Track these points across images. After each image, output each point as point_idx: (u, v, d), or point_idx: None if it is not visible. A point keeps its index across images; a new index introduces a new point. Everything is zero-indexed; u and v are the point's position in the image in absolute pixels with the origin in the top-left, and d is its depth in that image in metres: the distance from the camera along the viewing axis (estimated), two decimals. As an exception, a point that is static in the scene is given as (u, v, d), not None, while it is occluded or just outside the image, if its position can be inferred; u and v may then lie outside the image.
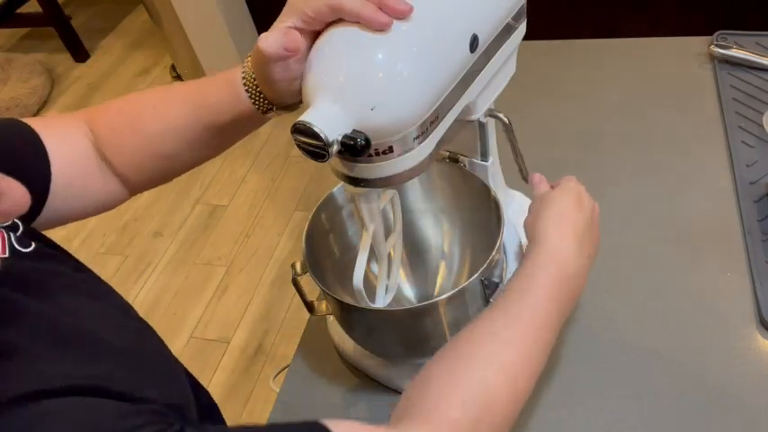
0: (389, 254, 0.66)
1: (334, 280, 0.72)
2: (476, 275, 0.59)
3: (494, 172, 0.72)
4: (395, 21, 0.46)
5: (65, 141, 0.61)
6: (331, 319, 0.79)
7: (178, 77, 2.95)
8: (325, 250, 0.73)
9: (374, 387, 0.74)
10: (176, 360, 0.56)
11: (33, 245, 0.50)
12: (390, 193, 0.63)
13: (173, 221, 2.27)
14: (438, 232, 0.80)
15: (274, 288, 1.97)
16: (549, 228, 0.58)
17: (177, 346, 1.86)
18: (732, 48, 1.00)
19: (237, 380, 1.75)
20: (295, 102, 0.56)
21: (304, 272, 0.67)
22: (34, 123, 0.59)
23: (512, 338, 0.52)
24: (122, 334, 0.50)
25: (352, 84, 0.46)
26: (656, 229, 0.82)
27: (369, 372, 0.74)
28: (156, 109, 0.61)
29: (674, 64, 1.05)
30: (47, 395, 0.36)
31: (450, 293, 0.59)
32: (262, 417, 1.51)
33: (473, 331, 0.52)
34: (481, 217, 0.70)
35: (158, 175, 0.66)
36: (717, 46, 1.00)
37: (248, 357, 1.81)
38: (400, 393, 0.72)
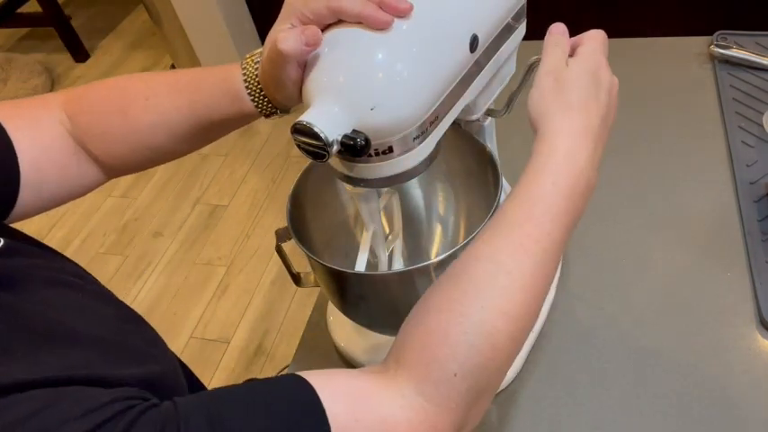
0: (390, 253, 0.66)
1: (323, 248, 0.69)
2: (470, 237, 0.56)
3: (491, 132, 0.69)
4: (395, 20, 0.46)
5: (35, 129, 0.59)
6: (331, 319, 0.79)
7: (178, 77, 2.95)
8: (312, 216, 0.69)
9: (374, 387, 0.74)
10: (164, 346, 0.55)
11: (2, 241, 0.49)
12: (390, 193, 0.63)
13: (173, 221, 2.27)
14: (434, 197, 0.78)
15: (274, 288, 1.97)
16: (559, 122, 0.50)
17: (177, 346, 1.86)
18: (732, 48, 1.00)
19: (237, 380, 1.75)
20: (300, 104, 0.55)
21: (288, 238, 0.64)
22: (2, 110, 0.57)
23: (513, 269, 0.46)
24: (98, 322, 0.49)
25: (352, 84, 0.46)
26: (656, 229, 0.82)
27: (369, 372, 0.74)
28: (148, 101, 0.60)
29: (674, 64, 1.05)
30: (19, 388, 0.36)
31: (442, 256, 0.57)
32: (262, 417, 1.51)
33: (477, 258, 0.47)
34: (478, 180, 0.69)
35: (140, 164, 0.65)
36: (717, 46, 1.01)
37: (248, 357, 1.81)
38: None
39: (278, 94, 0.54)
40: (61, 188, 0.61)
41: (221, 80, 0.57)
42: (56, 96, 0.62)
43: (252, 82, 0.55)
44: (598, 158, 0.51)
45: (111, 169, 0.64)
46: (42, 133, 0.59)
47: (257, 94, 0.55)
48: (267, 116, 0.57)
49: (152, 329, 0.56)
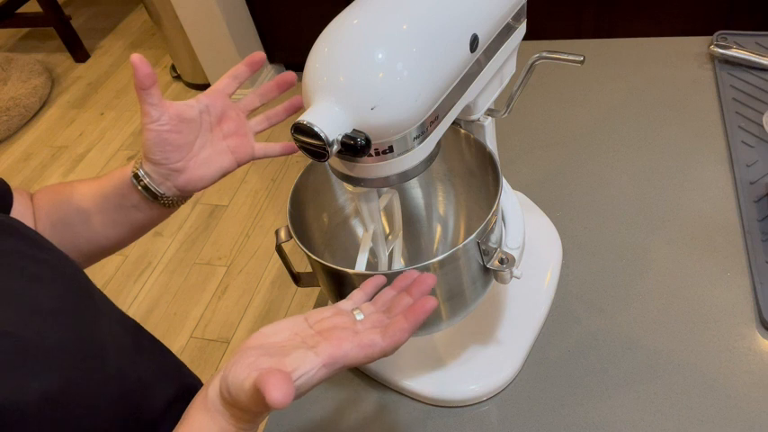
0: (390, 253, 0.66)
1: (323, 248, 0.69)
2: (471, 237, 0.57)
3: (491, 132, 0.69)
4: (395, 20, 0.46)
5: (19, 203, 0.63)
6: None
7: (178, 77, 2.95)
8: (312, 216, 0.69)
9: (375, 386, 0.74)
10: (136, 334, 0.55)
11: None
12: (390, 193, 0.63)
13: (173, 221, 2.27)
14: (434, 197, 0.78)
15: (274, 288, 1.97)
16: None
17: (177, 346, 1.86)
18: (732, 48, 1.00)
19: (237, 380, 1.75)
20: (196, 189, 0.61)
21: (289, 238, 0.64)
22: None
23: None
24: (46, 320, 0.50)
25: (352, 84, 0.46)
26: (656, 229, 0.82)
27: (369, 371, 0.74)
28: (87, 224, 0.64)
29: (674, 64, 1.05)
30: None
31: (442, 256, 0.56)
32: (262, 417, 1.51)
33: None
34: (478, 180, 0.69)
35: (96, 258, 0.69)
36: (717, 46, 1.01)
37: (248, 357, 1.80)
38: (401, 393, 0.72)
39: (178, 179, 0.59)
40: None
41: (122, 182, 0.61)
42: (26, 193, 0.66)
43: (141, 175, 0.60)
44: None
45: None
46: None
47: (146, 185, 0.60)
48: (169, 207, 0.63)
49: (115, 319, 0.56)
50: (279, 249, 0.66)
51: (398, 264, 0.68)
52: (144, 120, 0.57)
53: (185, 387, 0.67)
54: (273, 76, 2.70)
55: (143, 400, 0.58)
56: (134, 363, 0.59)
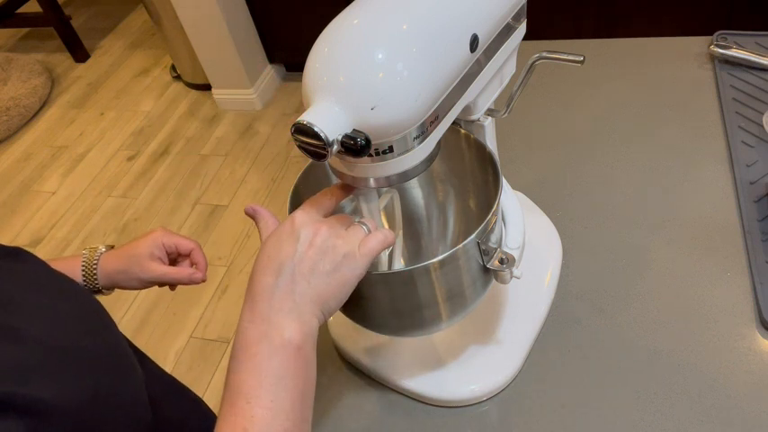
0: (390, 253, 0.66)
1: None
2: (471, 237, 0.57)
3: (491, 132, 0.69)
4: (395, 20, 0.46)
5: None
6: (331, 319, 0.79)
7: (178, 77, 2.95)
8: None
9: (375, 386, 0.74)
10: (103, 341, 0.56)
11: None
12: (390, 192, 0.63)
13: (173, 221, 2.27)
14: (434, 197, 0.78)
15: (274, 288, 1.96)
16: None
17: (177, 346, 1.86)
18: (732, 48, 1.00)
19: (237, 380, 1.75)
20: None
21: None
22: None
23: None
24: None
25: (352, 84, 0.46)
26: (656, 229, 0.82)
27: (369, 371, 0.74)
28: None
29: (674, 64, 1.05)
30: None
31: (442, 256, 0.56)
32: (262, 417, 1.51)
33: None
34: (478, 180, 0.69)
35: None
36: (717, 46, 1.01)
37: (248, 357, 1.80)
38: (401, 393, 0.72)
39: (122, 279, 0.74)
40: None
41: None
42: None
43: (89, 266, 0.74)
44: (277, 311, 0.47)
45: None
46: None
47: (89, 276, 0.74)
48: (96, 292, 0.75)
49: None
50: None
51: (398, 263, 0.68)
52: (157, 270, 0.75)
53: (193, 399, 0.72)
54: (273, 76, 2.70)
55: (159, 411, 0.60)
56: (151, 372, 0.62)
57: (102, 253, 0.75)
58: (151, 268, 0.74)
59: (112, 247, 0.77)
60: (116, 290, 0.77)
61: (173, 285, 0.77)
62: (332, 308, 0.49)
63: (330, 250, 0.48)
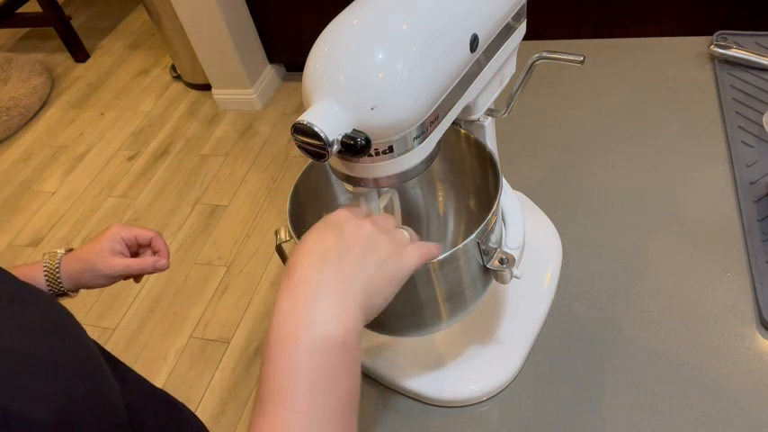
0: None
1: None
2: (471, 237, 0.57)
3: (491, 132, 0.69)
4: (395, 20, 0.46)
5: None
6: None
7: (178, 77, 2.95)
8: (312, 216, 0.68)
9: (375, 386, 0.74)
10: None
11: None
12: (390, 192, 0.63)
13: (173, 221, 2.27)
14: (434, 197, 0.78)
15: (274, 288, 1.96)
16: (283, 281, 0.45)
17: (177, 346, 1.86)
18: (732, 48, 1.00)
19: (237, 380, 1.75)
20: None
21: (289, 238, 0.63)
22: None
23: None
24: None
25: (352, 84, 0.46)
26: (656, 229, 0.82)
27: (369, 371, 0.74)
28: None
29: (674, 64, 1.05)
30: None
31: (442, 256, 0.56)
32: (262, 417, 1.51)
33: None
34: (478, 180, 0.69)
35: None
36: (717, 46, 1.01)
37: (248, 357, 1.81)
38: (401, 393, 0.72)
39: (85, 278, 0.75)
40: None
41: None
42: None
43: (51, 271, 0.75)
44: (329, 307, 0.42)
45: None
46: None
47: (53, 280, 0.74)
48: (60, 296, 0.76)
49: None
50: (279, 249, 0.66)
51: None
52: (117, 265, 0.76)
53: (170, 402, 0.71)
54: (273, 76, 2.70)
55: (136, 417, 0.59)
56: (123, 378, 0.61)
57: (62, 256, 0.77)
58: (114, 263, 0.75)
59: (71, 249, 0.78)
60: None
61: (138, 277, 0.79)
62: (376, 306, 0.45)
63: (376, 245, 0.46)
